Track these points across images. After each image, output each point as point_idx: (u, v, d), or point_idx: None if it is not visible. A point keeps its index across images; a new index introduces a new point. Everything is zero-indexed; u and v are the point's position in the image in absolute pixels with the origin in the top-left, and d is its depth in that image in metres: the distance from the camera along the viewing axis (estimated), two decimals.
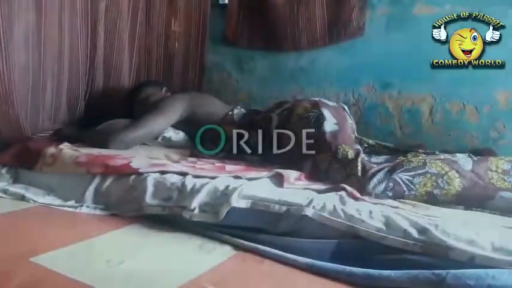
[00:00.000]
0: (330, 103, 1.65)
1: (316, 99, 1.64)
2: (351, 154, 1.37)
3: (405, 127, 2.09)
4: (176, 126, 1.88)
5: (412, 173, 1.25)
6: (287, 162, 1.45)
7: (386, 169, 1.28)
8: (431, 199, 1.23)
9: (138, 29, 2.35)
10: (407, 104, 2.07)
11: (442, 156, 1.37)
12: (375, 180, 1.25)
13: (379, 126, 2.14)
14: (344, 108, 1.73)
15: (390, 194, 1.24)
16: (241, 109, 1.86)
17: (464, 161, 1.30)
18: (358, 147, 1.47)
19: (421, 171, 1.25)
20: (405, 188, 1.24)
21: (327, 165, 1.39)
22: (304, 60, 2.33)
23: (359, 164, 1.32)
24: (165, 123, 1.79)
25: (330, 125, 1.49)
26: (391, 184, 1.24)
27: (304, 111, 1.55)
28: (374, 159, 1.49)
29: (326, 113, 1.53)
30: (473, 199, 1.22)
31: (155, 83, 2.18)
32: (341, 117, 1.61)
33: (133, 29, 2.32)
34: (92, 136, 1.73)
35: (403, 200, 1.21)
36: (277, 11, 2.33)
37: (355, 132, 1.75)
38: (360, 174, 1.30)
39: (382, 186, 1.24)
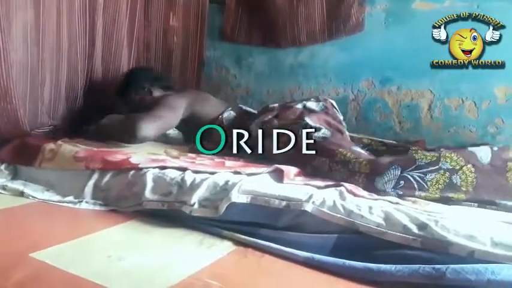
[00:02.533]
0: (317, 107, 1.61)
1: (301, 107, 1.60)
2: (350, 155, 1.34)
3: (404, 123, 2.09)
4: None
5: (424, 170, 1.21)
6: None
7: (396, 165, 1.23)
8: (443, 201, 1.19)
9: (137, 24, 2.34)
10: (406, 99, 2.08)
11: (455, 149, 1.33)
12: (385, 177, 1.22)
13: (378, 122, 2.14)
14: (332, 105, 1.69)
15: (400, 192, 1.20)
16: (231, 112, 1.83)
17: (484, 152, 1.25)
18: (357, 148, 1.43)
19: (433, 168, 1.21)
20: (416, 186, 1.20)
21: (327, 168, 1.36)
22: (303, 56, 2.33)
23: (364, 162, 1.29)
24: (175, 118, 1.77)
25: (320, 132, 1.45)
26: (401, 182, 1.21)
27: (288, 124, 1.52)
28: None
29: (311, 122, 1.50)
30: (486, 192, 1.20)
31: (140, 83, 2.04)
32: (331, 118, 1.58)
33: (132, 24, 2.31)
34: (108, 130, 1.71)
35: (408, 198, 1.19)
36: (276, 6, 2.32)
37: (344, 124, 1.68)
38: (368, 171, 1.26)
39: (392, 184, 1.21)
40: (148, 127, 1.62)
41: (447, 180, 1.20)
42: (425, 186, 1.20)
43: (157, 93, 1.95)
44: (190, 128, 1.78)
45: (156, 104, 1.78)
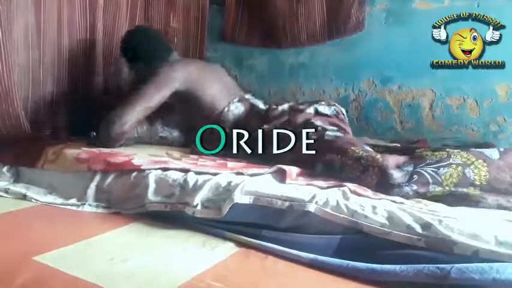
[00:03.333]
0: (329, 111, 1.59)
1: (312, 111, 1.57)
2: (363, 153, 1.30)
3: (405, 122, 2.09)
4: (169, 117, 1.81)
5: (436, 165, 1.19)
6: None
7: (408, 163, 1.21)
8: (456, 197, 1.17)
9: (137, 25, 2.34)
10: (407, 98, 2.08)
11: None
12: (399, 172, 1.19)
13: (380, 122, 2.14)
14: (342, 112, 1.65)
15: (415, 186, 1.18)
16: (239, 104, 1.72)
17: (491, 152, 1.23)
18: (369, 148, 1.41)
19: (445, 163, 1.18)
20: (430, 179, 1.17)
21: (339, 164, 1.32)
22: (303, 56, 2.33)
23: (377, 157, 1.25)
24: (159, 96, 1.63)
25: (331, 133, 1.44)
26: (415, 176, 1.18)
27: (297, 128, 1.49)
28: None
29: (321, 123, 1.48)
30: (500, 186, 1.18)
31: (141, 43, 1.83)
32: (342, 123, 1.56)
33: (132, 25, 2.31)
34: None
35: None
36: (276, 7, 2.33)
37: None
38: (381, 164, 1.22)
39: (406, 178, 1.18)
40: (123, 121, 1.56)
41: (461, 174, 1.18)
42: (440, 179, 1.17)
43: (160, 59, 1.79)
44: (187, 112, 1.69)
45: (146, 78, 1.66)
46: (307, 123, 1.50)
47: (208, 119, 1.69)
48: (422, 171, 1.19)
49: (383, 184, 1.19)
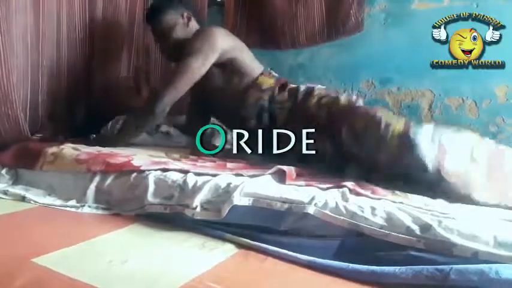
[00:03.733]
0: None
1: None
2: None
3: None
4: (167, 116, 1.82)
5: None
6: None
7: None
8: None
9: (136, 27, 2.34)
10: (406, 99, 2.08)
11: None
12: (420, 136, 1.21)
13: None
14: None
15: (436, 150, 1.19)
16: (275, 75, 1.76)
17: None
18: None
19: None
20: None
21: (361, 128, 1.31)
22: (303, 57, 2.34)
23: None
24: (203, 68, 1.65)
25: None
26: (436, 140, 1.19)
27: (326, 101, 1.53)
28: None
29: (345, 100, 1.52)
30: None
31: (171, 5, 1.81)
32: None
33: (131, 28, 2.31)
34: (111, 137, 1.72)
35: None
36: (275, 8, 2.33)
37: None
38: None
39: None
40: (172, 96, 1.61)
41: None
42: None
43: (193, 23, 1.81)
44: (221, 79, 1.71)
45: (185, 49, 1.67)
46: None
47: (244, 83, 1.71)
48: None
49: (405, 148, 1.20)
